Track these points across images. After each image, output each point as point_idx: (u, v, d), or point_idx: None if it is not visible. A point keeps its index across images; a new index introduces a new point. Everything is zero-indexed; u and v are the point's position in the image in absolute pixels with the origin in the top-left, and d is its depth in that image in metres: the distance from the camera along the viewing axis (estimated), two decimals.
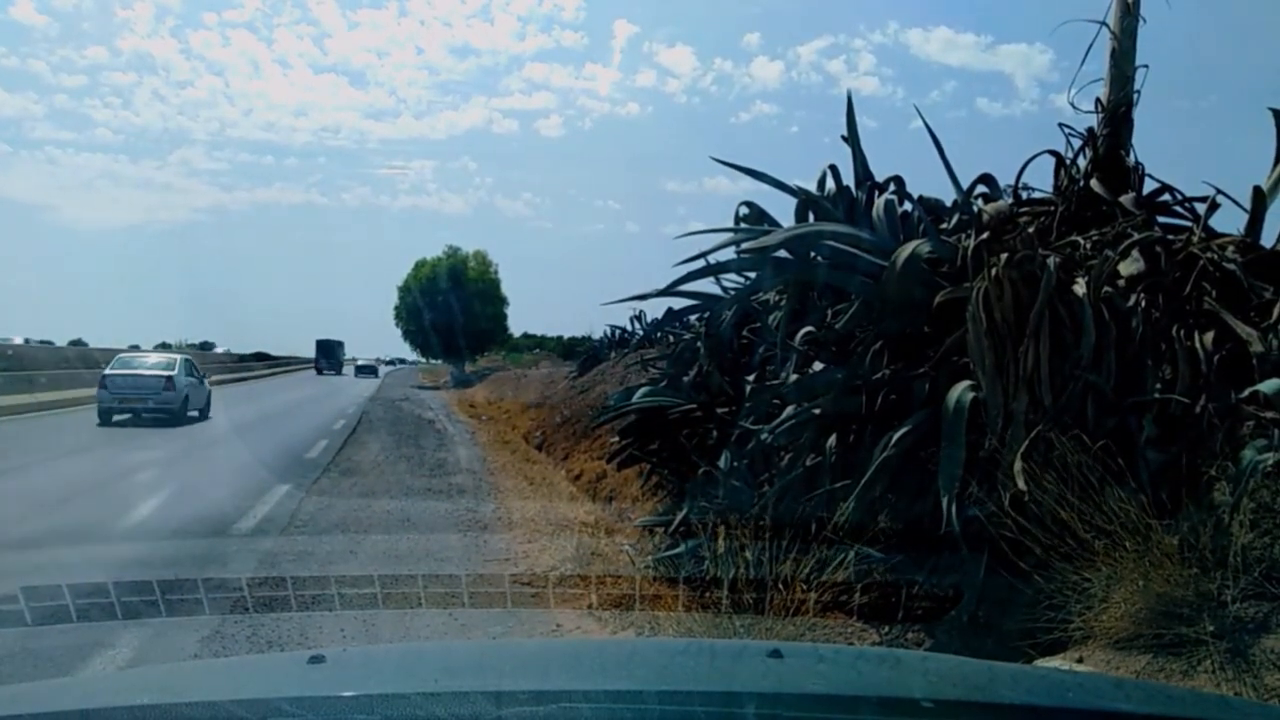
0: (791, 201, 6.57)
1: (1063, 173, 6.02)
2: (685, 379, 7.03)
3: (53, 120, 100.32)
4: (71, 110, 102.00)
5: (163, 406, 15.58)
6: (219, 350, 49.92)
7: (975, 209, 5.94)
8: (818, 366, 5.43)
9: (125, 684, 1.84)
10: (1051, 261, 4.19)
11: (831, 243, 5.60)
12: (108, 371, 16.32)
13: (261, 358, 52.91)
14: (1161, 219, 5.67)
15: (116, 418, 15.28)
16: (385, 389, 32.62)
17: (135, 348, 31.69)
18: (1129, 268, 4.75)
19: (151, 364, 16.82)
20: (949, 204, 6.50)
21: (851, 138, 6.65)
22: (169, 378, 15.92)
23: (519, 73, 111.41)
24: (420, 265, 44.44)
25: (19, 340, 28.99)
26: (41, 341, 33.06)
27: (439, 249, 45.32)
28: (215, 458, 12.12)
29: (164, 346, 43.10)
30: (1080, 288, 4.27)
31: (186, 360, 17.41)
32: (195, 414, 16.61)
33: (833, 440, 5.00)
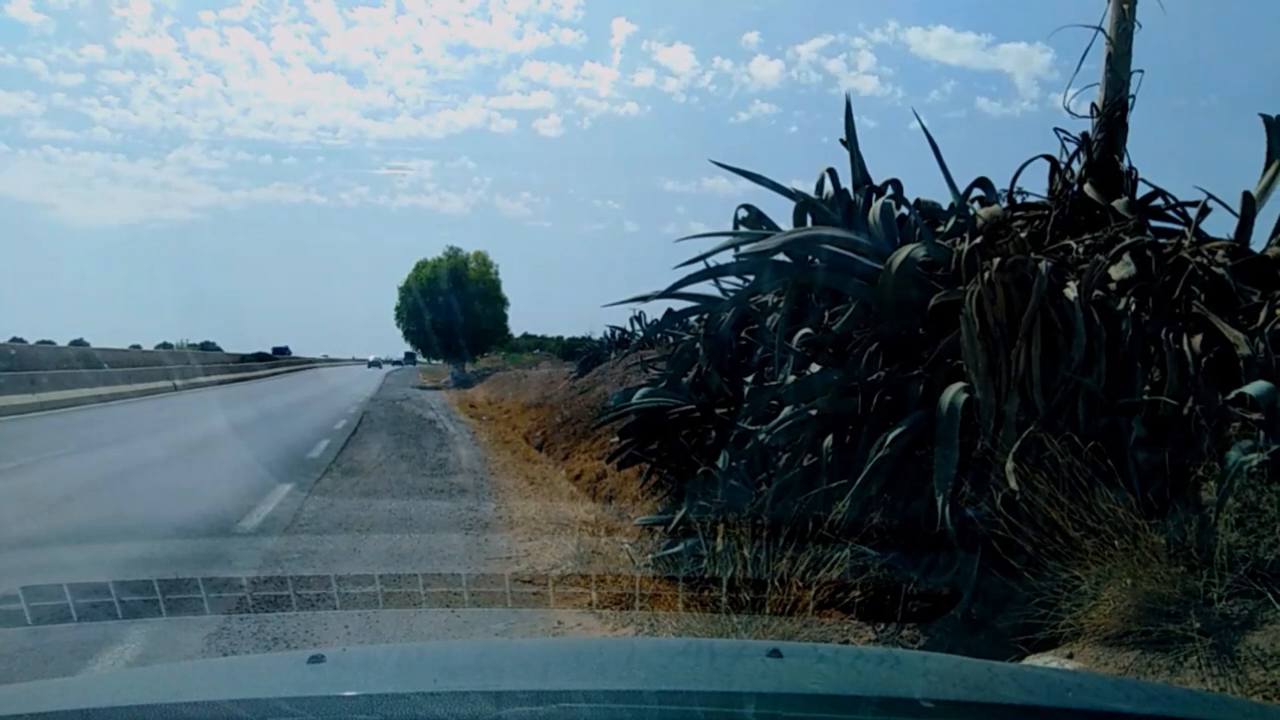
0: (790, 203, 6.64)
1: (1057, 177, 6.08)
2: (685, 380, 7.09)
3: (50, 119, 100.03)
4: (69, 109, 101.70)
5: (378, 367, 62.77)
6: (224, 351, 50.10)
7: (971, 213, 6.01)
8: (815, 368, 5.49)
9: (125, 684, 1.85)
10: (1043, 265, 4.25)
11: (829, 246, 5.67)
12: (369, 359, 78.34)
13: (262, 358, 53.06)
14: (1154, 223, 5.74)
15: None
16: (385, 389, 32.66)
17: (136, 347, 32.84)
18: (1120, 272, 4.82)
19: (374, 358, 77.51)
20: (945, 207, 6.57)
21: (850, 141, 6.71)
22: (381, 362, 73.49)
23: (517, 72, 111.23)
24: (421, 266, 44.54)
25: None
26: (41, 342, 33.07)
27: (438, 248, 45.52)
28: (218, 457, 12.17)
29: (165, 346, 43.20)
30: (1072, 291, 4.33)
31: (383, 359, 73.84)
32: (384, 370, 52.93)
33: (829, 441, 5.06)
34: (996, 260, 4.28)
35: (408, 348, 52.44)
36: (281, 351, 65.56)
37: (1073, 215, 5.76)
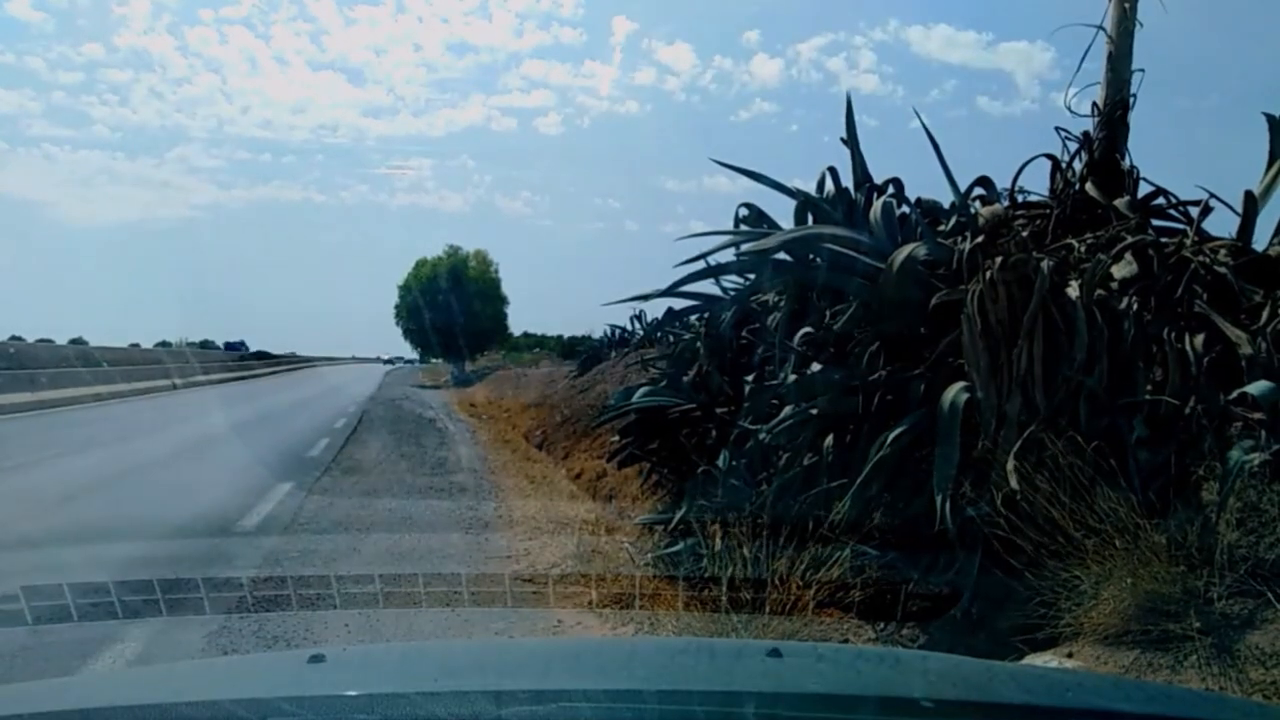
0: (791, 201, 6.64)
1: (1058, 176, 6.08)
2: (685, 379, 7.09)
3: (50, 117, 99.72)
4: (69, 107, 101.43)
5: (394, 366, 62.08)
6: (223, 350, 49.76)
7: (972, 212, 6.00)
8: (816, 367, 5.49)
9: (125, 683, 1.85)
10: (1045, 265, 4.25)
11: (830, 245, 5.66)
12: (384, 358, 76.69)
13: (261, 356, 52.99)
14: (1156, 222, 5.74)
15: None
16: (385, 388, 32.65)
17: (135, 345, 32.71)
18: (1122, 271, 4.82)
19: (390, 357, 75.07)
20: (946, 206, 6.56)
21: (851, 140, 6.70)
22: (391, 359, 73.54)
23: (517, 70, 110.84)
24: (421, 264, 44.48)
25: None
26: (40, 340, 32.97)
27: (438, 247, 45.43)
28: (217, 456, 12.17)
29: (163, 345, 43.13)
30: (1074, 290, 4.33)
31: (397, 358, 71.72)
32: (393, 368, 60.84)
33: (830, 440, 5.06)
34: (998, 259, 4.28)
35: (409, 348, 51.44)
36: (235, 347, 51.11)
37: (1074, 214, 5.76)
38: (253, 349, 52.46)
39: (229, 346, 51.53)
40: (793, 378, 5.44)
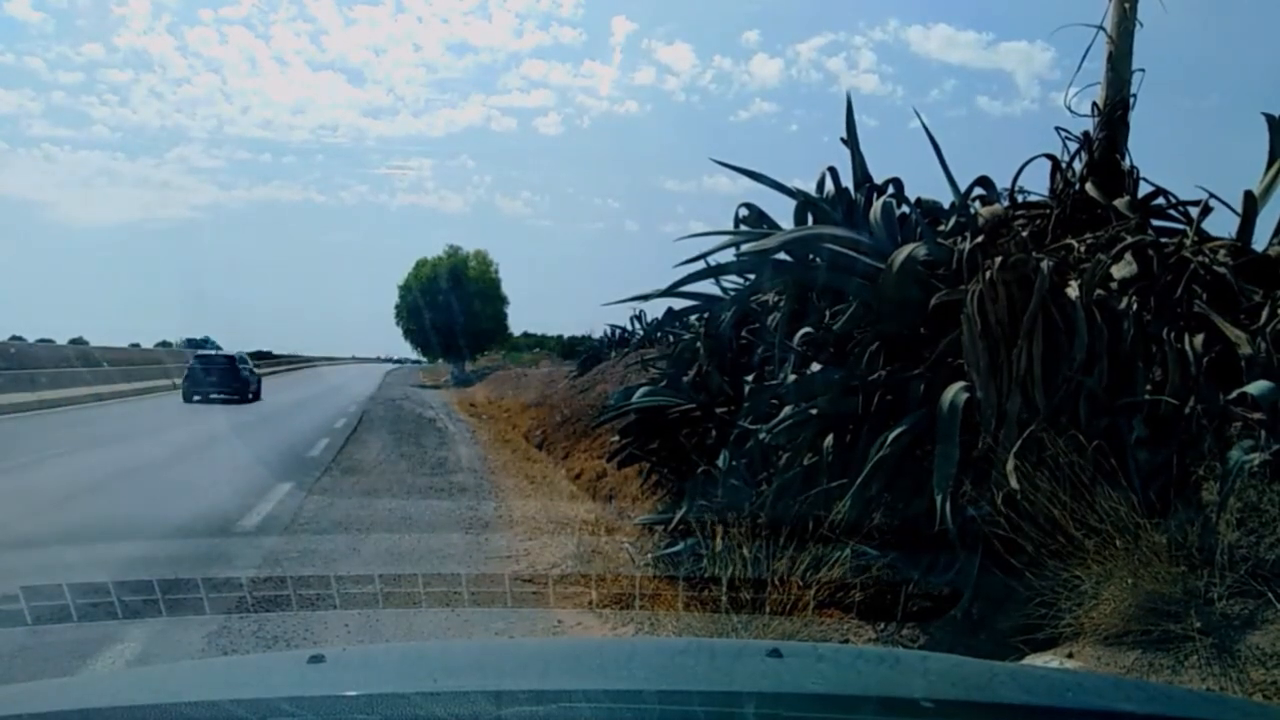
0: (791, 201, 6.64)
1: (1058, 176, 6.08)
2: (685, 379, 7.08)
3: (50, 117, 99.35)
4: (68, 107, 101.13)
5: (398, 366, 63.80)
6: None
7: (972, 212, 6.00)
8: (816, 367, 5.48)
9: (125, 684, 1.84)
10: (1045, 265, 4.25)
11: (830, 245, 5.66)
12: (393, 359, 76.48)
13: (263, 356, 52.92)
14: (1156, 222, 5.74)
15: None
16: (385, 388, 32.64)
17: (135, 345, 32.71)
18: (1121, 271, 4.82)
19: (398, 357, 73.96)
20: (946, 206, 6.56)
21: (851, 140, 6.70)
22: (400, 360, 72.76)
23: (517, 70, 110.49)
24: (421, 264, 44.49)
25: None
26: (40, 340, 32.90)
27: (438, 247, 45.40)
28: (217, 456, 12.17)
29: (164, 345, 42.85)
30: (1073, 290, 4.33)
31: (404, 358, 68.28)
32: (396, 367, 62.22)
33: (830, 440, 5.06)
34: (998, 259, 4.28)
35: (410, 348, 51.11)
36: (200, 344, 42.48)
37: (1074, 214, 5.76)
38: (250, 350, 51.89)
39: (190, 344, 41.30)
40: (792, 378, 5.44)
